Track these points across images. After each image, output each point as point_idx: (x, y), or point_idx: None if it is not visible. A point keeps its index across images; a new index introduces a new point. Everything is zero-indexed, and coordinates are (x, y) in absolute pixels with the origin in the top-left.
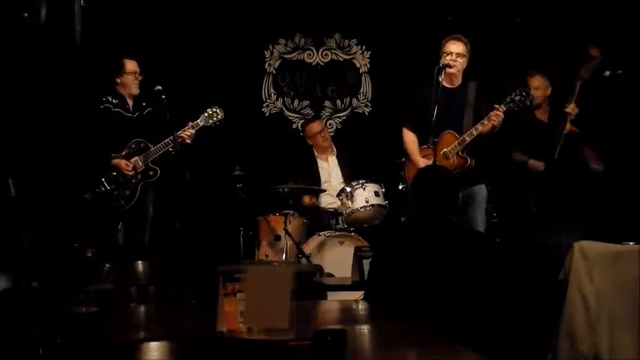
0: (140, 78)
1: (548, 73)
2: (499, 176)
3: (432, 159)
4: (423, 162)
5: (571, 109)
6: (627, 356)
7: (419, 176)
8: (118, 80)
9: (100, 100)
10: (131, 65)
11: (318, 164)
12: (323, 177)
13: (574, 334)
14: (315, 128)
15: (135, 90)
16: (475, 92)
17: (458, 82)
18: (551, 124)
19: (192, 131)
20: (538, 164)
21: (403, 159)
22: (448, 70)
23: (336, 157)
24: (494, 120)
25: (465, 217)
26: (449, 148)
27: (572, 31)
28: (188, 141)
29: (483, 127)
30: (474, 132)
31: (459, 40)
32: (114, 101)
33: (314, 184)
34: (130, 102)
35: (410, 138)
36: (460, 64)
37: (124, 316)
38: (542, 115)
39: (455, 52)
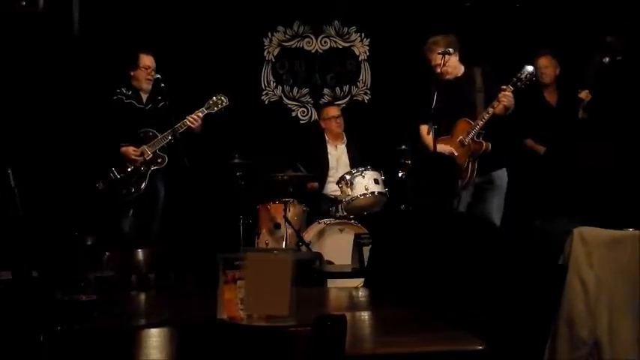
0: (153, 74)
1: (558, 54)
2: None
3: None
4: (440, 148)
5: (585, 95)
6: (626, 341)
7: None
8: (132, 73)
9: (113, 91)
10: (146, 60)
11: (328, 149)
12: (330, 163)
13: (573, 319)
14: (332, 112)
15: (145, 85)
16: (482, 76)
17: (460, 71)
18: (560, 107)
19: (200, 115)
20: (538, 147)
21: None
22: (447, 77)
23: (346, 145)
24: (504, 101)
25: (481, 203)
26: (465, 136)
27: (581, 11)
28: (194, 126)
29: (495, 109)
30: (486, 115)
31: (436, 44)
32: (127, 93)
33: (321, 169)
34: (144, 95)
35: (424, 131)
36: (449, 65)
37: (124, 303)
38: (550, 96)
39: (438, 62)
